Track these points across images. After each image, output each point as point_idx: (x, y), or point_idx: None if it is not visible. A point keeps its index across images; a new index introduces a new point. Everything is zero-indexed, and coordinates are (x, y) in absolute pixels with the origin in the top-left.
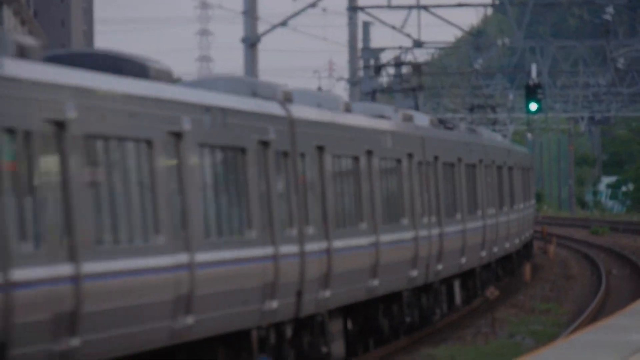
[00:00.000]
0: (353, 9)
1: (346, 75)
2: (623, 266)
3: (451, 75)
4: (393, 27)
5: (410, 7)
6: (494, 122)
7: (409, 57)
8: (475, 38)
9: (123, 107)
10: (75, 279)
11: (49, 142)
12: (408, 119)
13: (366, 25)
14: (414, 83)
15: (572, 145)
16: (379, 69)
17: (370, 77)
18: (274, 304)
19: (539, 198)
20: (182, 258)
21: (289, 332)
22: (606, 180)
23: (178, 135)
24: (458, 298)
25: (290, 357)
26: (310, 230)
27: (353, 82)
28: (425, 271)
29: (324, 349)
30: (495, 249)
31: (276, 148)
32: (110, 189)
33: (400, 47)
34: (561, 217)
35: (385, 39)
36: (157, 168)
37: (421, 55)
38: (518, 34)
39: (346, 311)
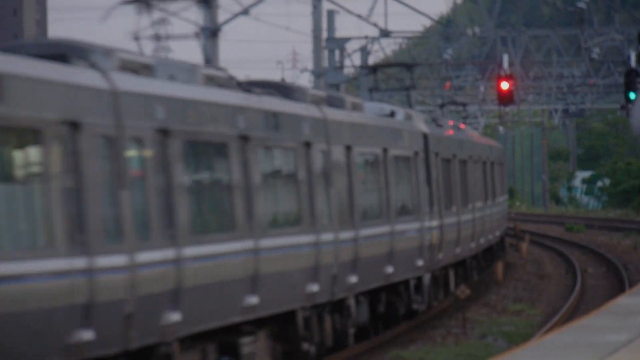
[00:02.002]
0: None
1: (310, 66)
2: (599, 264)
3: (420, 66)
4: (359, 16)
5: None
6: (465, 117)
7: (375, 47)
8: (445, 27)
9: None
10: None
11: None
12: (409, 117)
13: (331, 14)
14: (407, 81)
15: (546, 139)
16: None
17: (335, 68)
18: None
19: (511, 194)
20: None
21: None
22: (581, 175)
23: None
24: (452, 286)
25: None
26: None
27: (317, 73)
28: (433, 257)
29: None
30: (482, 241)
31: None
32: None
33: (366, 37)
34: (534, 214)
35: (350, 28)
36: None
37: (388, 45)
38: (489, 23)
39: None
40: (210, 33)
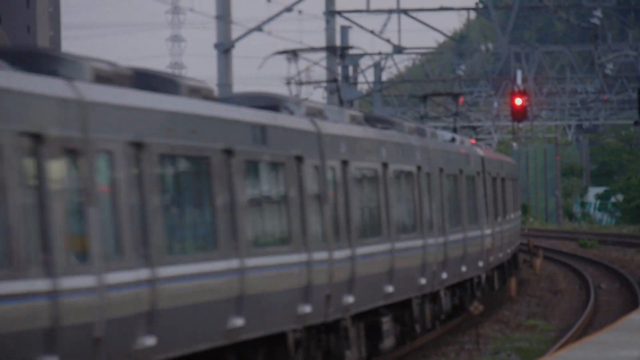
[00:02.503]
0: (330, 13)
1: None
2: (612, 280)
3: (433, 82)
4: (372, 32)
5: (390, 11)
6: (478, 133)
7: (389, 63)
8: (458, 43)
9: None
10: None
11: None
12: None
13: (344, 30)
14: (453, 110)
15: (559, 155)
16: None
17: (349, 84)
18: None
19: (524, 210)
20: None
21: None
22: (594, 191)
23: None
24: (497, 285)
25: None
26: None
27: (331, 89)
28: (488, 259)
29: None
30: (513, 248)
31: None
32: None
33: (379, 53)
34: (548, 230)
35: (364, 44)
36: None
37: (401, 62)
38: (502, 39)
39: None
40: (224, 49)
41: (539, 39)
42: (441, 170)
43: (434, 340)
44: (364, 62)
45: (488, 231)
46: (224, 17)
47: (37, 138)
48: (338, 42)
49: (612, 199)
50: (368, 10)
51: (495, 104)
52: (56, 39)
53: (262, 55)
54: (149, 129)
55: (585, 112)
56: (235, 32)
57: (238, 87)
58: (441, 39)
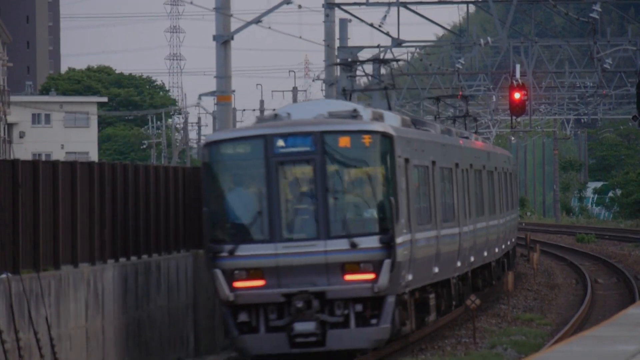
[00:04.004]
0: (330, 5)
1: (323, 74)
2: (609, 275)
3: (432, 75)
4: (371, 25)
5: (389, 4)
6: (477, 125)
7: (388, 56)
8: (457, 37)
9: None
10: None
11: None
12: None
13: (343, 23)
14: (386, 81)
15: (557, 149)
16: (353, 65)
17: (347, 77)
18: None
19: (522, 204)
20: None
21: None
22: (592, 185)
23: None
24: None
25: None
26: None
27: (329, 82)
28: (468, 259)
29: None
30: (504, 246)
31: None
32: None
33: (378, 46)
34: (545, 224)
35: (363, 37)
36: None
37: (400, 55)
38: (501, 33)
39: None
40: (223, 41)
41: (538, 33)
42: (407, 160)
43: (430, 333)
44: (363, 55)
45: (468, 228)
46: (222, 9)
47: (456, 165)
48: (337, 34)
49: (610, 194)
50: (367, 3)
51: (494, 98)
52: (55, 29)
53: (260, 48)
54: (474, 160)
55: (583, 106)
56: (235, 24)
57: (237, 80)
58: (440, 32)
